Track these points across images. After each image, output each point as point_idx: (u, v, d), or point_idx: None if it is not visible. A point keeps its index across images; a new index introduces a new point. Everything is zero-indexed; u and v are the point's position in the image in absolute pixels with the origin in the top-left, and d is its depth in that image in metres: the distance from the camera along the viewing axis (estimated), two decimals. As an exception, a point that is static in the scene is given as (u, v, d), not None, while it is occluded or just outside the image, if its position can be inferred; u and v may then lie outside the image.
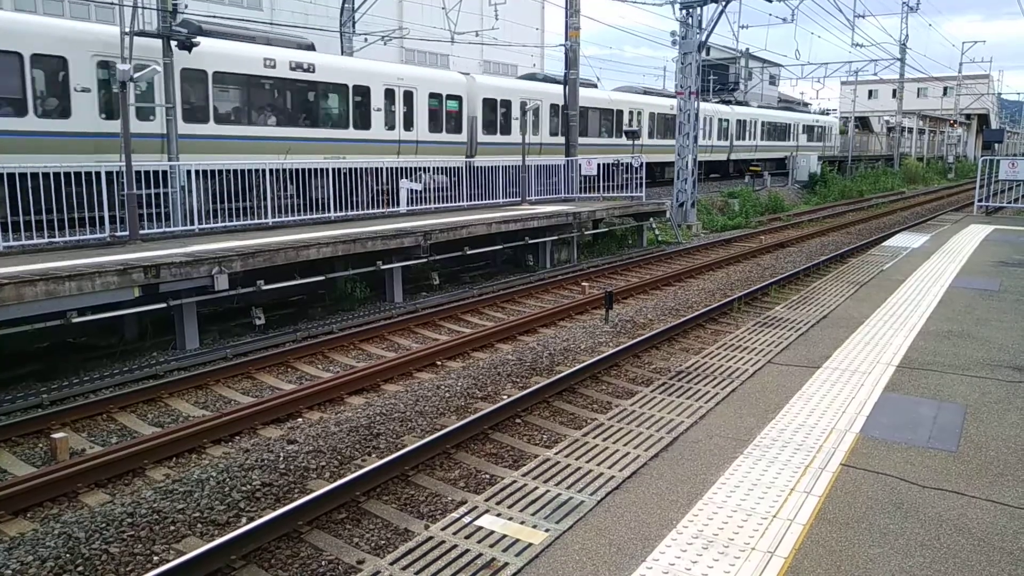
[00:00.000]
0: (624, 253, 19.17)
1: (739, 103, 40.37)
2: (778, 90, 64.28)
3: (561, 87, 21.96)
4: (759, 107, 42.55)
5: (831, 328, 7.47)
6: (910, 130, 62.57)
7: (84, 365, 9.30)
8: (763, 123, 39.79)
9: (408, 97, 18.83)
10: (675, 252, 19.09)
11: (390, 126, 18.46)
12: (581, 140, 22.39)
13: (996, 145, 67.12)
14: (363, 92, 17.78)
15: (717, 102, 37.78)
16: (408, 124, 18.93)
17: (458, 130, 20.48)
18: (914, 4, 45.26)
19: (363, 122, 17.83)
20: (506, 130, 22.12)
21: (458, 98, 20.35)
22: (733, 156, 37.19)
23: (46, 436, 7.08)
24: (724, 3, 21.94)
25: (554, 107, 23.55)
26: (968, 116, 73.63)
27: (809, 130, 46.32)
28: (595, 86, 27.29)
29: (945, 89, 68.64)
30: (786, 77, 51.43)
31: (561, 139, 23.16)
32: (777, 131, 41.69)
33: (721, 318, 11.83)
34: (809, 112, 51.66)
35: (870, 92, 76.81)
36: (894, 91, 55.25)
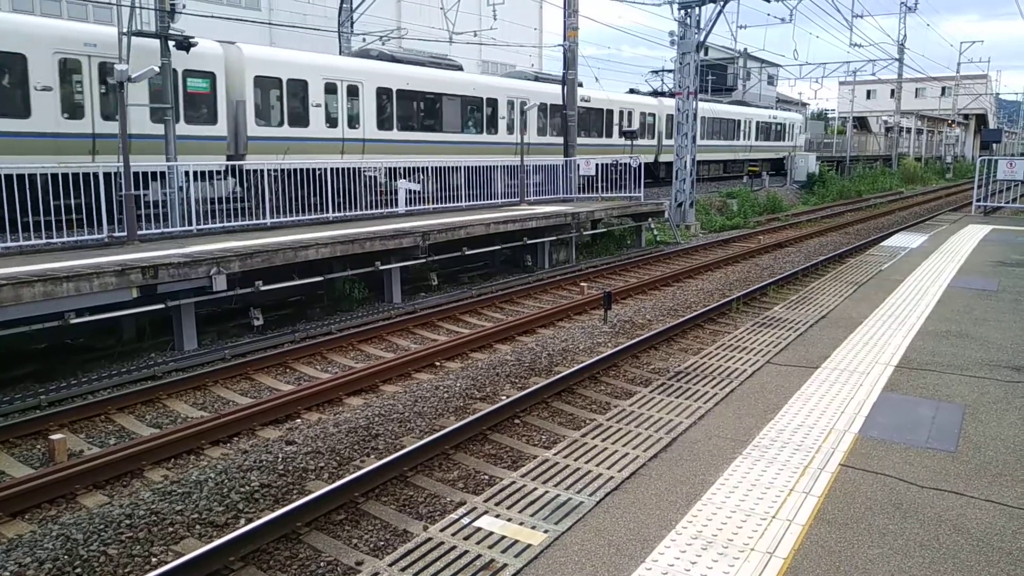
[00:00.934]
0: (623, 253, 19.17)
1: (672, 94, 33.22)
2: (776, 90, 64.37)
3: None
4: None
5: (830, 328, 7.47)
6: (908, 130, 62.65)
7: (82, 366, 9.28)
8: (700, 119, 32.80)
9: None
10: (674, 252, 19.10)
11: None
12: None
13: (994, 145, 67.29)
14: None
15: (647, 93, 32.51)
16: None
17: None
18: (912, 4, 45.33)
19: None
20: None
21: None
22: (662, 158, 30.57)
23: (44, 437, 7.07)
24: (722, 3, 21.97)
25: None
26: (966, 116, 73.74)
27: (765, 129, 40.79)
28: (457, 67, 22.69)
29: (943, 89, 68.74)
30: (784, 77, 51.47)
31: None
32: (721, 129, 35.59)
33: (720, 318, 11.83)
34: (771, 108, 45.62)
35: (868, 92, 76.92)
36: (892, 91, 55.32)
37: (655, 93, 33.32)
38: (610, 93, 29.55)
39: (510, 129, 22.35)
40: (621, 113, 28.48)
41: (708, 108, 33.32)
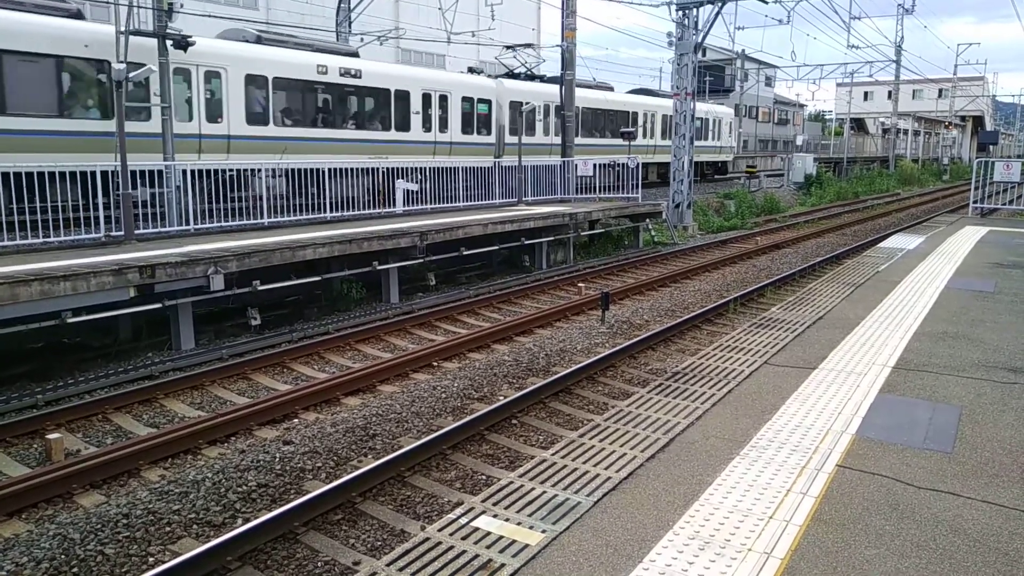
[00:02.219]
0: (620, 254, 19.19)
1: (530, 77, 24.80)
2: (774, 91, 64.48)
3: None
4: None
5: (827, 329, 7.48)
6: (905, 132, 62.78)
7: (79, 366, 9.27)
8: (557, 108, 23.09)
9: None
10: (671, 253, 19.12)
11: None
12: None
13: (991, 147, 67.46)
14: None
15: (477, 73, 23.20)
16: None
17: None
18: (909, 6, 45.44)
19: None
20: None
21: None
22: (504, 160, 20.77)
23: (41, 437, 7.06)
24: (720, 4, 21.99)
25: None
26: (963, 118, 73.92)
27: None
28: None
29: (940, 91, 68.89)
30: (782, 79, 51.54)
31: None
32: (607, 124, 27.51)
33: (717, 319, 11.84)
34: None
35: (865, 94, 77.14)
36: (889, 93, 55.47)
37: (514, 75, 24.81)
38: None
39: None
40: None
41: (585, 96, 25.63)
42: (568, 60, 21.22)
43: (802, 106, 79.52)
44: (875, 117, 67.04)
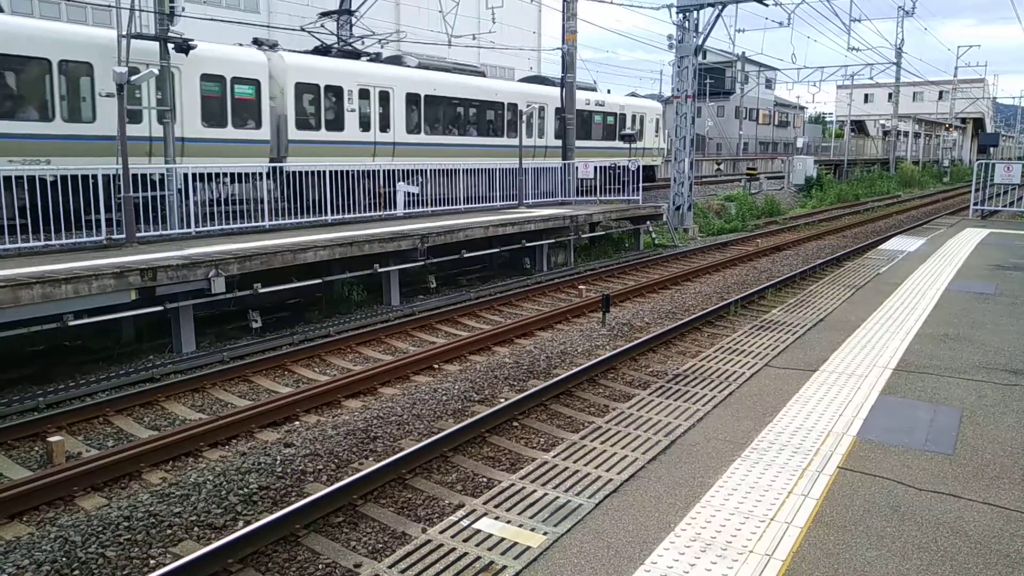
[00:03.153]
0: (621, 256, 19.19)
1: (349, 54, 18.80)
2: (775, 94, 64.55)
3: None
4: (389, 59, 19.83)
5: (828, 331, 7.49)
6: (906, 134, 62.81)
7: (80, 368, 9.28)
8: (378, 92, 17.76)
9: None
10: (672, 255, 19.12)
11: None
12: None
13: (991, 149, 67.39)
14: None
15: (262, 47, 16.32)
16: None
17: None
18: (909, 8, 45.44)
19: None
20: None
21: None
22: (288, 164, 15.75)
23: (42, 439, 7.06)
24: (721, 7, 22.02)
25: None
26: (963, 120, 73.96)
27: (583, 121, 23.91)
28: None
29: (940, 93, 68.94)
30: (782, 81, 51.59)
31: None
32: (461, 116, 20.53)
33: (718, 321, 11.84)
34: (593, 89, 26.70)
35: (866, 96, 77.17)
36: (890, 95, 55.50)
37: (327, 50, 18.68)
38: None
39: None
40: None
41: (430, 80, 19.24)
42: (569, 63, 21.25)
43: (802, 108, 79.65)
44: (875, 119, 67.07)
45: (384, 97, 17.89)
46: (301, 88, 16.11)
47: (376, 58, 19.37)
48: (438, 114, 19.67)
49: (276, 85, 15.69)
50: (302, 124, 16.16)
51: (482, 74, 22.56)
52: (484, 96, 21.21)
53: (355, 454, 6.76)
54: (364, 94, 17.34)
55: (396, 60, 19.72)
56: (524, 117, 20.59)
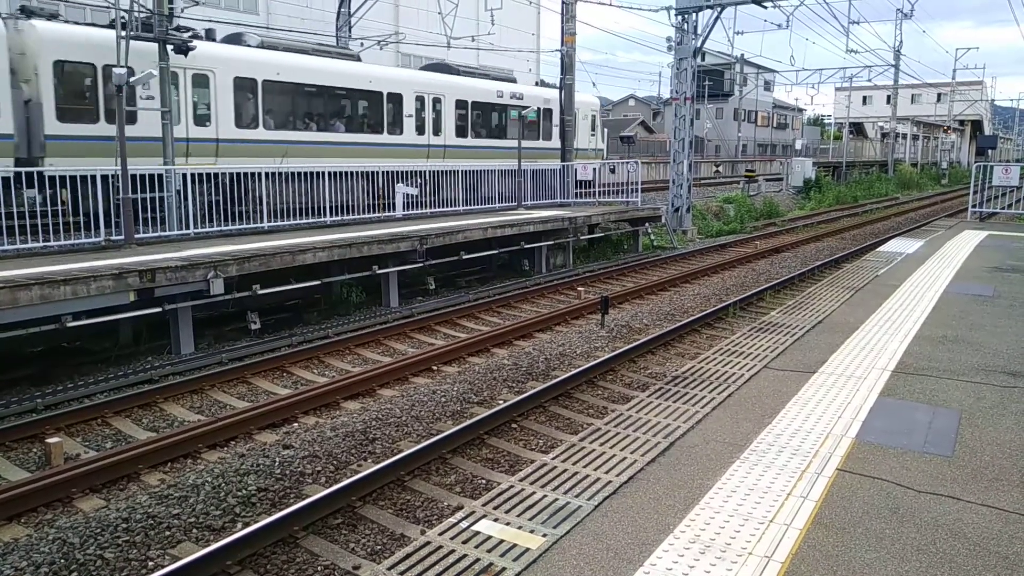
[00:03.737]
0: (620, 258, 19.20)
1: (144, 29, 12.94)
2: (773, 96, 64.60)
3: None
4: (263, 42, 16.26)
5: (826, 333, 7.49)
6: (904, 136, 62.88)
7: (79, 369, 9.27)
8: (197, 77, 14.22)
9: None
10: (671, 257, 19.13)
11: None
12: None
13: (989, 151, 67.51)
14: None
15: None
16: None
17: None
18: (908, 11, 45.51)
19: None
20: None
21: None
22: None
23: (40, 441, 7.05)
24: (719, 9, 22.04)
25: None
26: (961, 122, 74.08)
27: (485, 114, 21.10)
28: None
29: (939, 95, 69.10)
30: (781, 83, 51.70)
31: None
32: (326, 107, 16.80)
33: (717, 323, 11.85)
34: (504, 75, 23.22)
35: (864, 98, 77.31)
36: (888, 97, 55.55)
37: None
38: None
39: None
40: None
41: (283, 62, 15.74)
42: (568, 65, 21.27)
43: (801, 110, 79.77)
44: (874, 121, 67.11)
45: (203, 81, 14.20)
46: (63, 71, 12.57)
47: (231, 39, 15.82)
48: (306, 106, 16.19)
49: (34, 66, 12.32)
50: (66, 116, 12.52)
51: (356, 58, 18.38)
52: (352, 83, 17.05)
53: (354, 456, 6.75)
54: (168, 78, 12.92)
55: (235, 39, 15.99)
56: (401, 108, 17.88)
